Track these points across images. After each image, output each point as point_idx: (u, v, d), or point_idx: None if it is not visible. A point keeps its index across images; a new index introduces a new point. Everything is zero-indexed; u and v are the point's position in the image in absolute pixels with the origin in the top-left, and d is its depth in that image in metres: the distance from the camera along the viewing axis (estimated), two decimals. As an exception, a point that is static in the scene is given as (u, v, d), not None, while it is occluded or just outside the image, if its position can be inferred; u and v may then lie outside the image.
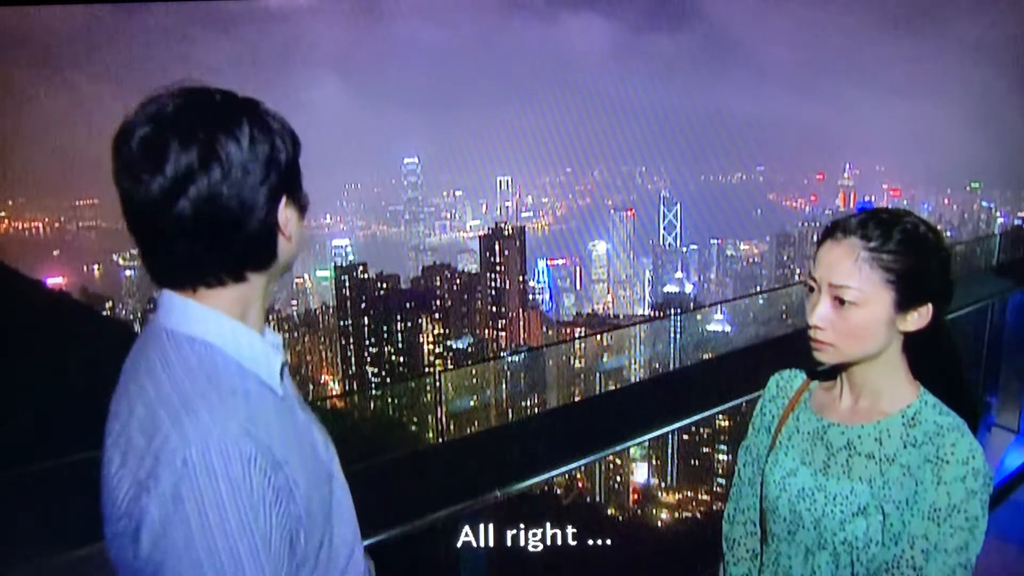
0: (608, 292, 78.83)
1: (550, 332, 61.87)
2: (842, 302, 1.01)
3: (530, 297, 66.60)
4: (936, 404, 1.05)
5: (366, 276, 56.00)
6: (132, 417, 0.74)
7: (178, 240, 0.76)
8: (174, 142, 0.74)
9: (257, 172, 0.78)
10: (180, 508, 0.69)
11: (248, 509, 0.71)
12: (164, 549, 0.69)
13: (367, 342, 54.14)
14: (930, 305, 1.02)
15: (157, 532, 0.69)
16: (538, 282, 72.10)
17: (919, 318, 1.02)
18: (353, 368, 53.83)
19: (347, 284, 55.71)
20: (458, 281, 61.33)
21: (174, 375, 0.76)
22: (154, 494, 0.69)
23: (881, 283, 1.00)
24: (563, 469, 2.43)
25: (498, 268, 62.49)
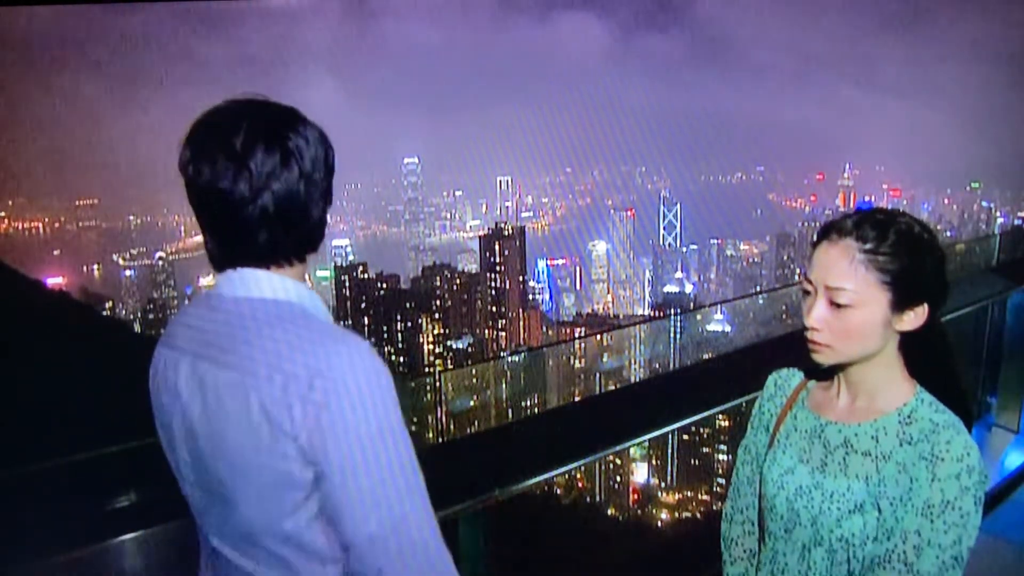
0: (608, 292, 78.85)
1: (550, 332, 61.87)
2: (839, 304, 1.01)
3: (530, 297, 66.60)
4: (932, 402, 1.05)
5: (366, 276, 56.02)
6: (280, 359, 0.87)
7: (261, 229, 0.90)
8: (260, 145, 0.87)
9: (320, 170, 0.93)
10: (358, 412, 0.85)
11: (395, 409, 0.89)
12: (347, 448, 0.85)
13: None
14: (926, 305, 1.02)
15: (340, 435, 0.85)
16: (538, 282, 72.11)
17: (915, 318, 1.02)
18: (353, 368, 53.68)
19: (347, 284, 55.73)
20: (458, 281, 61.29)
21: (299, 323, 0.91)
22: (335, 407, 0.85)
23: (877, 284, 1.00)
24: (563, 469, 2.43)
25: (498, 268, 62.47)
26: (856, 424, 1.07)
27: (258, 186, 0.87)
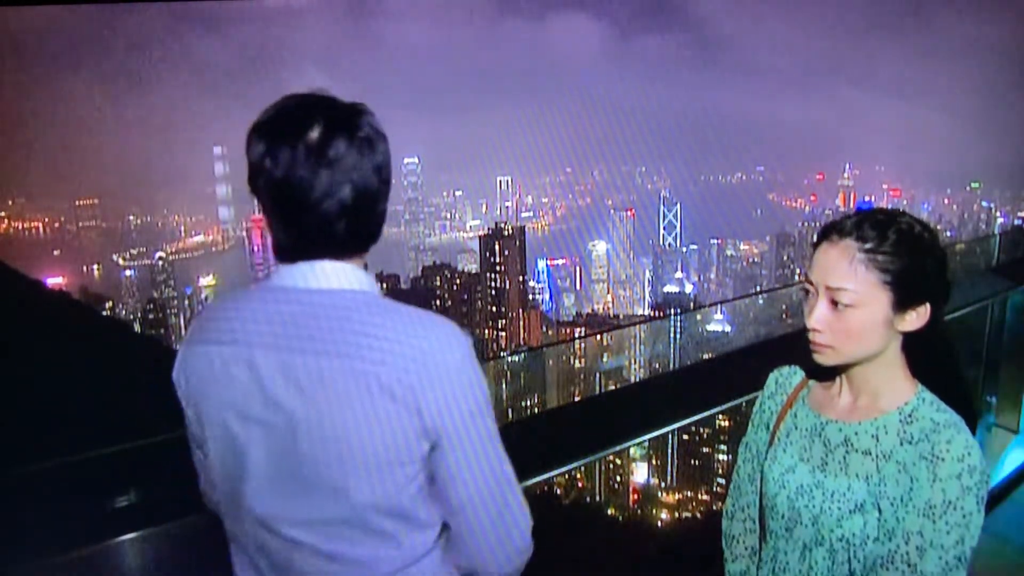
0: (608, 292, 78.84)
1: (550, 332, 61.86)
2: (840, 304, 1.01)
3: (530, 297, 66.59)
4: (934, 401, 1.05)
5: (366, 276, 55.83)
6: (392, 343, 0.90)
7: (340, 220, 0.92)
8: (339, 138, 0.90)
9: (388, 163, 0.96)
10: (468, 386, 0.93)
11: (485, 380, 0.96)
12: (461, 419, 0.92)
13: (367, 342, 54.05)
14: (928, 305, 1.02)
15: (455, 408, 0.92)
16: (538, 282, 72.10)
17: (917, 318, 1.02)
18: (353, 368, 53.68)
19: (347, 284, 55.49)
20: (458, 281, 61.34)
21: (391, 310, 0.94)
22: (450, 383, 0.91)
23: (878, 284, 1.00)
24: (563, 469, 2.42)
25: (498, 268, 62.48)
26: (856, 423, 1.07)
27: (338, 178, 0.89)
